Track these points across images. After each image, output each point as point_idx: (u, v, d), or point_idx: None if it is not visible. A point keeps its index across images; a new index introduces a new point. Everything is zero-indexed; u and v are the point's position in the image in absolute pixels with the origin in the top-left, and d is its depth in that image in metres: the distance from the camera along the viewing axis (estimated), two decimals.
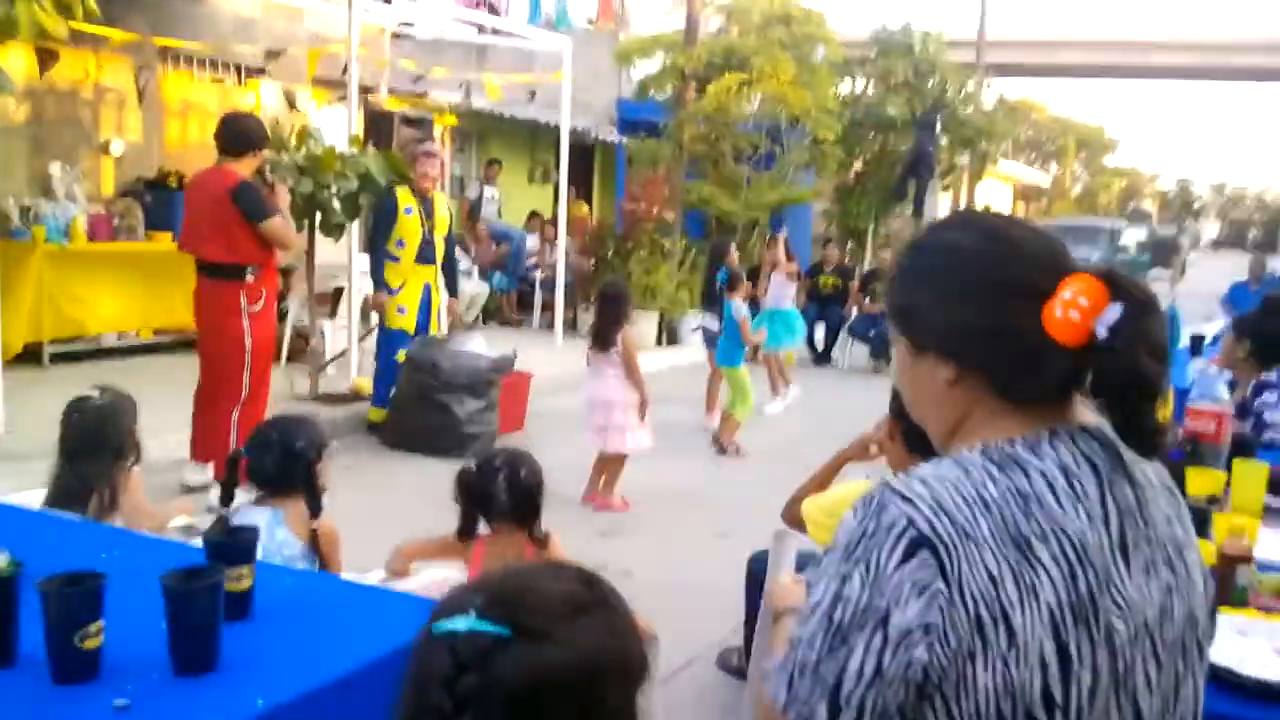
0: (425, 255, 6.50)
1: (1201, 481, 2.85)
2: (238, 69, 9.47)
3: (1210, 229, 59.95)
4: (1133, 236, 24.44)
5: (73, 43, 7.04)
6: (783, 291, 8.80)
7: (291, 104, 9.89)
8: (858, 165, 14.78)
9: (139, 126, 8.81)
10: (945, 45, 15.91)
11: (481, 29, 13.86)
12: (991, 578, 1.00)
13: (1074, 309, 1.04)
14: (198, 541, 2.17)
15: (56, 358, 7.31)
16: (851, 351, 10.81)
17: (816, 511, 2.58)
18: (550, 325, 10.40)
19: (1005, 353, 1.10)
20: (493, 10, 17.13)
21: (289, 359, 7.73)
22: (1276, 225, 60.38)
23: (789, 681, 1.05)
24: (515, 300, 11.70)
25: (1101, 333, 1.03)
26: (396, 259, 6.40)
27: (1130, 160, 54.24)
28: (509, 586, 0.98)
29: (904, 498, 1.04)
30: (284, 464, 2.57)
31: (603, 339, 5.35)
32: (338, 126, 9.71)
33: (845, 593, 1.02)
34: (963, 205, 20.00)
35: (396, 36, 11.90)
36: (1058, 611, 1.00)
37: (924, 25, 15.67)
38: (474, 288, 10.57)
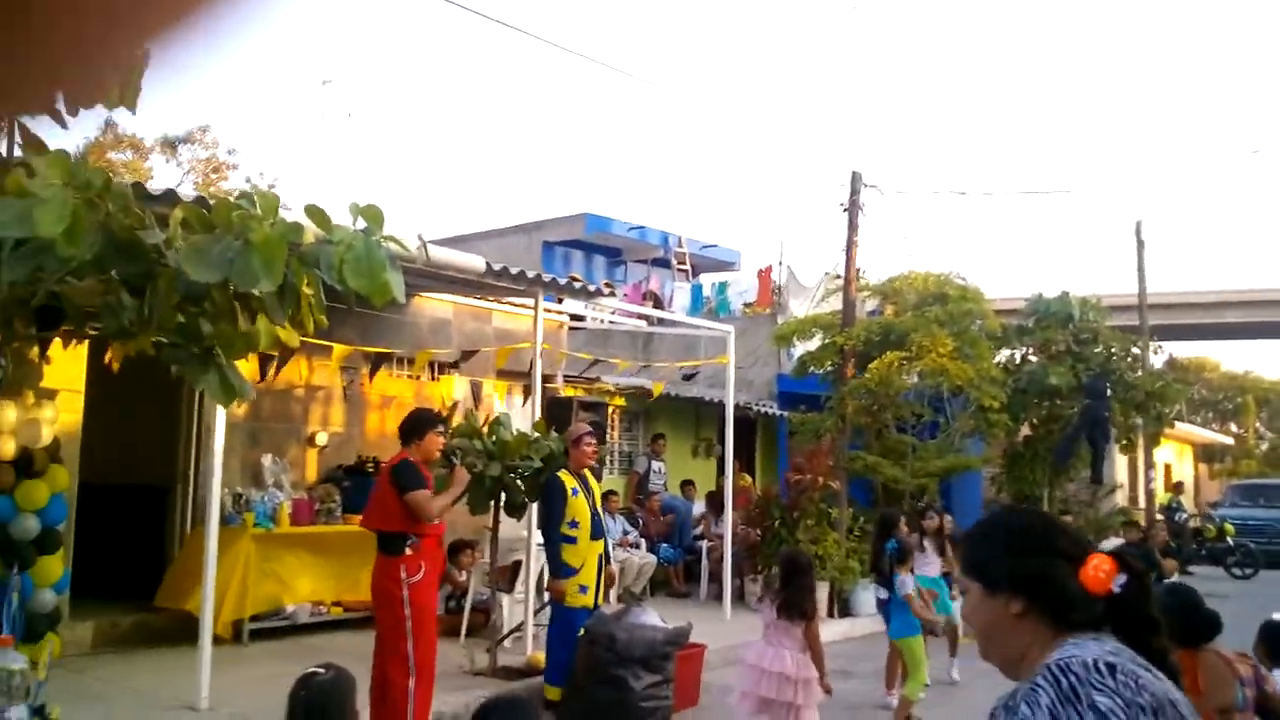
0: (597, 531, 6.68)
1: None
2: (431, 365, 10.40)
3: None
4: None
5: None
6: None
7: (477, 395, 10.71)
8: (1025, 430, 14.56)
9: (342, 419, 9.68)
10: (1104, 310, 15.90)
11: (649, 320, 14.85)
12: None
13: (1100, 573, 1.58)
14: None
15: (255, 634, 7.74)
16: None
17: None
18: (717, 596, 10.35)
19: (1057, 594, 1.59)
20: (658, 303, 18.38)
21: (468, 634, 7.93)
22: None
23: None
24: (682, 571, 11.74)
25: (1116, 589, 1.57)
26: (573, 540, 6.51)
27: None
28: None
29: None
30: None
31: (794, 608, 5.25)
32: (517, 413, 10.41)
33: None
34: (1140, 468, 19.14)
35: (571, 329, 12.88)
36: None
37: (1081, 290, 15.79)
38: (641, 559, 10.72)
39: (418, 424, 5.76)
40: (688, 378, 12.33)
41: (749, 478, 13.90)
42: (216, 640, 6.91)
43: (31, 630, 6.53)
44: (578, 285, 9.34)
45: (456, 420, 7.40)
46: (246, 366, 8.65)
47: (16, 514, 6.58)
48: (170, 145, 25.87)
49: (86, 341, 7.51)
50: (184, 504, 8.48)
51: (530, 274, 8.43)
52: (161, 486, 8.78)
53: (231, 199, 5.14)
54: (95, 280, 4.43)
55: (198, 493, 8.39)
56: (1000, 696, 1.71)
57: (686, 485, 12.74)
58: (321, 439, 9.37)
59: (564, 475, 6.64)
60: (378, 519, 5.52)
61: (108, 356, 5.66)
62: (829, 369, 12.66)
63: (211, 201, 5.20)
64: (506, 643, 7.45)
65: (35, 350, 4.90)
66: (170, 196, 5.29)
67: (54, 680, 6.26)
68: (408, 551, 5.40)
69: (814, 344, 13.38)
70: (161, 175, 24.61)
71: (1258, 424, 41.75)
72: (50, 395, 6.90)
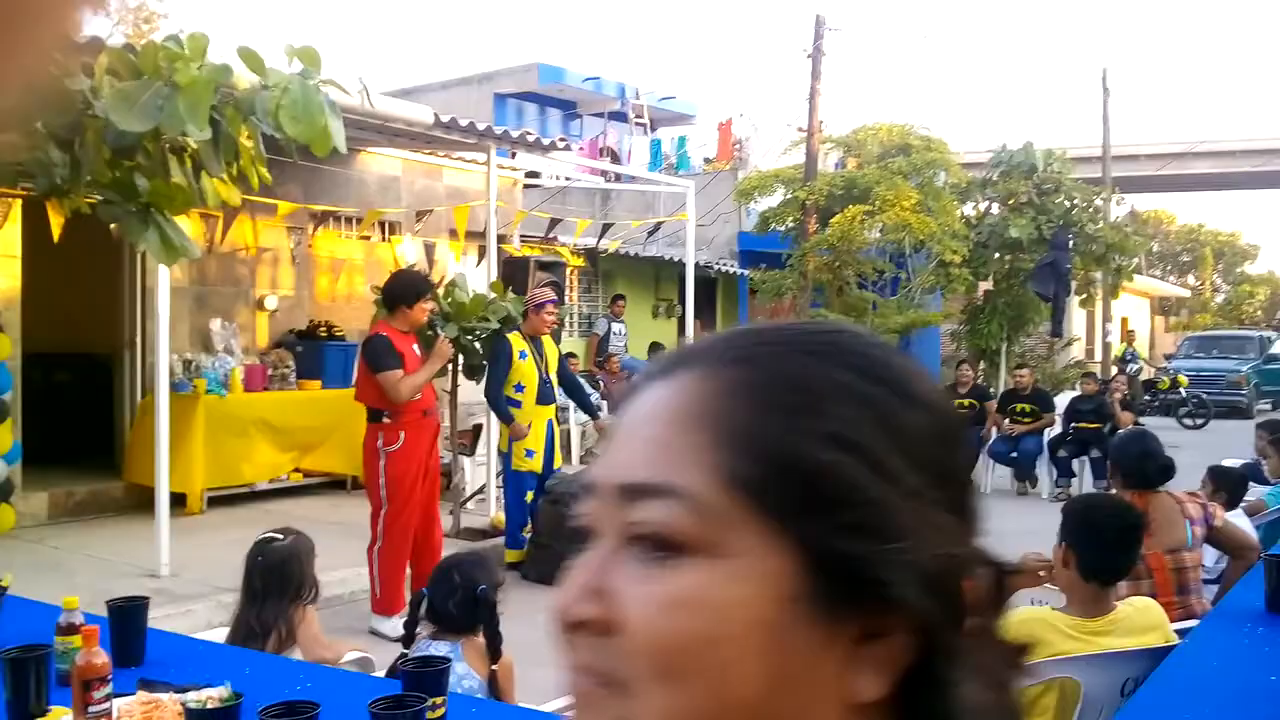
0: (545, 396, 6.59)
1: None
2: (382, 225, 10.07)
3: None
4: None
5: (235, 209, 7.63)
6: None
7: (431, 257, 10.42)
8: (986, 285, 14.58)
9: (291, 282, 9.40)
10: (1069, 162, 15.72)
11: (606, 175, 14.47)
12: None
13: None
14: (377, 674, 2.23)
15: (213, 501, 7.68)
16: (994, 473, 10.44)
17: None
18: None
19: None
20: (615, 158, 17.92)
21: None
22: None
23: None
24: None
25: None
26: (518, 403, 6.47)
27: (1273, 265, 51.70)
28: None
29: None
30: (466, 605, 2.62)
31: None
32: (473, 275, 10.17)
33: None
34: (1099, 321, 19.37)
35: (526, 186, 12.50)
36: None
37: (1045, 142, 15.58)
38: (604, 420, 10.73)
39: (407, 291, 5.37)
40: (651, 234, 12.11)
41: None
42: (176, 507, 6.83)
43: None
44: (531, 139, 8.98)
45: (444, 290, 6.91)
46: (193, 228, 8.33)
47: None
48: None
49: (19, 203, 7.15)
50: (133, 371, 8.26)
51: (481, 126, 8.08)
52: (108, 354, 8.54)
53: (158, 43, 4.76)
54: (19, 132, 4.13)
55: (146, 359, 8.16)
56: None
57: (654, 348, 12.69)
58: (271, 303, 9.10)
59: (513, 337, 6.50)
60: (360, 393, 5.42)
61: (57, 227, 5.34)
62: (791, 225, 12.49)
63: (139, 46, 4.83)
64: (469, 505, 7.45)
65: None
66: (96, 44, 4.91)
67: (11, 550, 6.18)
68: (385, 420, 5.29)
69: (776, 199, 13.16)
70: (89, 27, 23.29)
71: (1214, 276, 42.45)
72: None
